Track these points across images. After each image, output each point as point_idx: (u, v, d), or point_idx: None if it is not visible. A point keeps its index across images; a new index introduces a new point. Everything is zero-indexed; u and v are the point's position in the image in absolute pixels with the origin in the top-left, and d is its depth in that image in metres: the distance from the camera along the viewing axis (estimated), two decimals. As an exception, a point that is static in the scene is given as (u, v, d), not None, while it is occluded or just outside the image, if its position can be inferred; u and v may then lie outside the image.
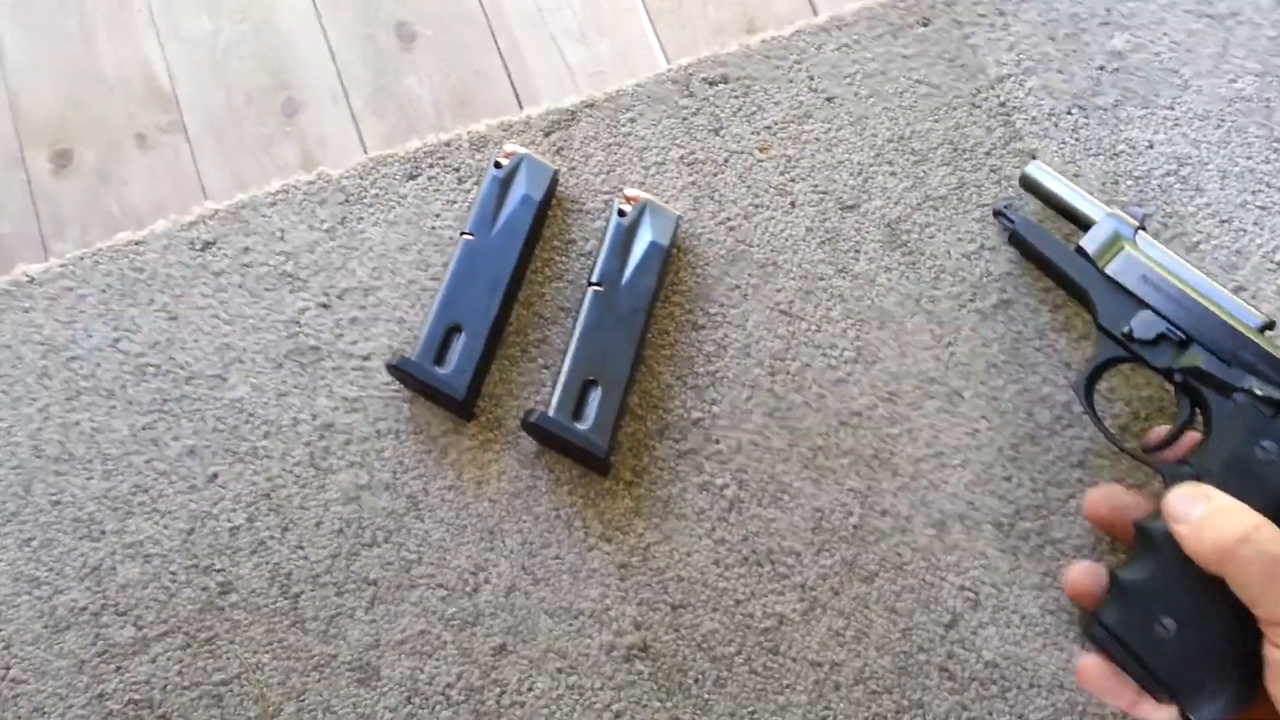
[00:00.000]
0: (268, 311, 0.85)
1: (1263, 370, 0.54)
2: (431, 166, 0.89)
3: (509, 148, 0.86)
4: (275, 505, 0.80)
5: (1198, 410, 0.58)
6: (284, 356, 0.84)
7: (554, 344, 0.84)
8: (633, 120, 0.90)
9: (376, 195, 0.88)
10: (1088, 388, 0.64)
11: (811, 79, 0.90)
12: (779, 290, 0.84)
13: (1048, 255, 0.71)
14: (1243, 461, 0.48)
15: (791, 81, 0.91)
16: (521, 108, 0.95)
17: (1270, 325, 0.59)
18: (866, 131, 0.89)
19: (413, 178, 0.89)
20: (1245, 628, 0.44)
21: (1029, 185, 0.67)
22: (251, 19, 1.00)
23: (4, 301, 0.86)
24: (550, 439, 0.78)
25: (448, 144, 0.89)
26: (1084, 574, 0.63)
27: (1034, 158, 0.80)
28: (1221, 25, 0.91)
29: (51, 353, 0.84)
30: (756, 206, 0.87)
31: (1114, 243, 0.67)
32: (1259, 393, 0.50)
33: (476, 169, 0.89)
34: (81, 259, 0.87)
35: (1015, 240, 0.74)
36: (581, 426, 0.77)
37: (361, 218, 0.87)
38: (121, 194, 0.94)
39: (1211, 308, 0.60)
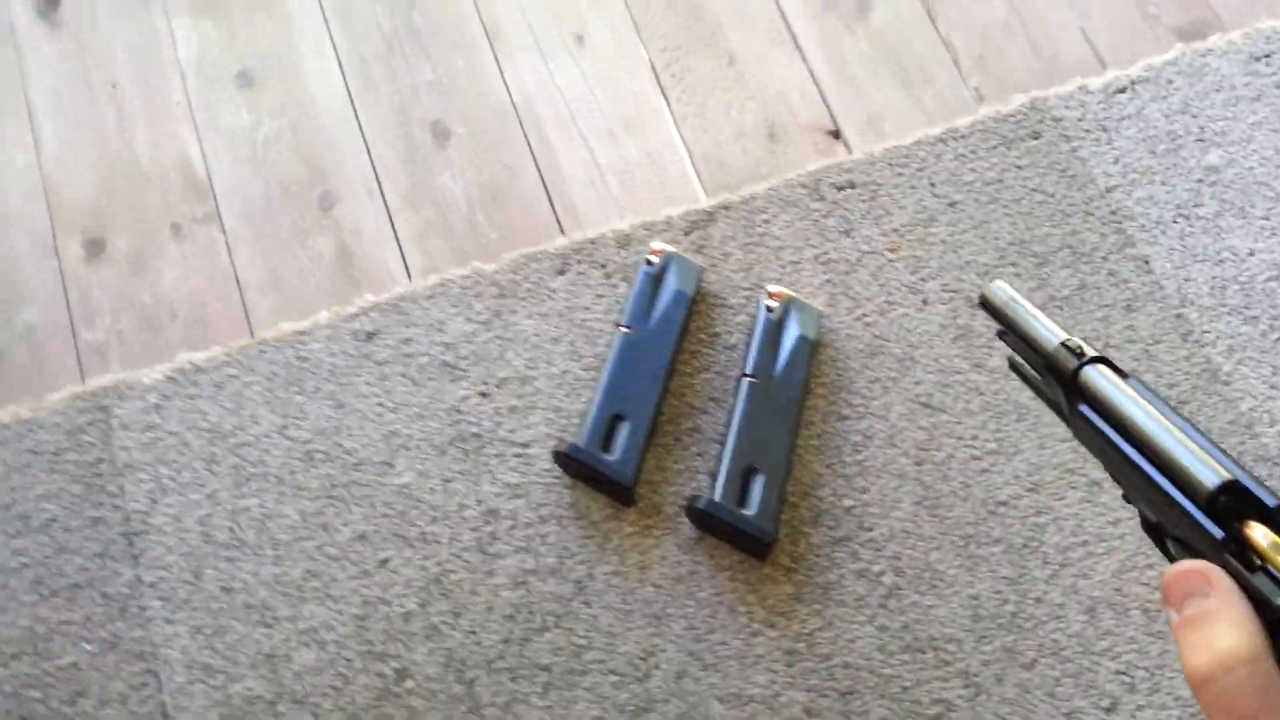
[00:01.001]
0: (430, 400, 0.88)
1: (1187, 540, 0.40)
2: (580, 263, 0.93)
3: (656, 245, 0.91)
4: (446, 590, 0.82)
5: None
6: (448, 444, 0.87)
7: (705, 433, 0.88)
8: (767, 221, 0.96)
9: (529, 289, 0.92)
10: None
11: (933, 185, 0.97)
12: (918, 383, 0.89)
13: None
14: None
15: (914, 188, 0.97)
16: (551, 202, 1.00)
17: (1230, 486, 0.37)
18: (989, 235, 0.95)
19: (562, 273, 0.93)
20: None
21: (988, 306, 0.48)
22: (290, 114, 1.04)
23: (169, 389, 0.88)
24: (715, 524, 0.81)
25: (593, 241, 0.94)
26: None
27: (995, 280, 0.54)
28: (1306, 143, 0.98)
29: (219, 439, 0.86)
30: (890, 304, 0.92)
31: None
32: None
33: (622, 265, 0.94)
34: (245, 348, 0.90)
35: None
36: (748, 512, 0.80)
37: (515, 310, 0.91)
38: (155, 283, 0.96)
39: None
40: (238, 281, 0.96)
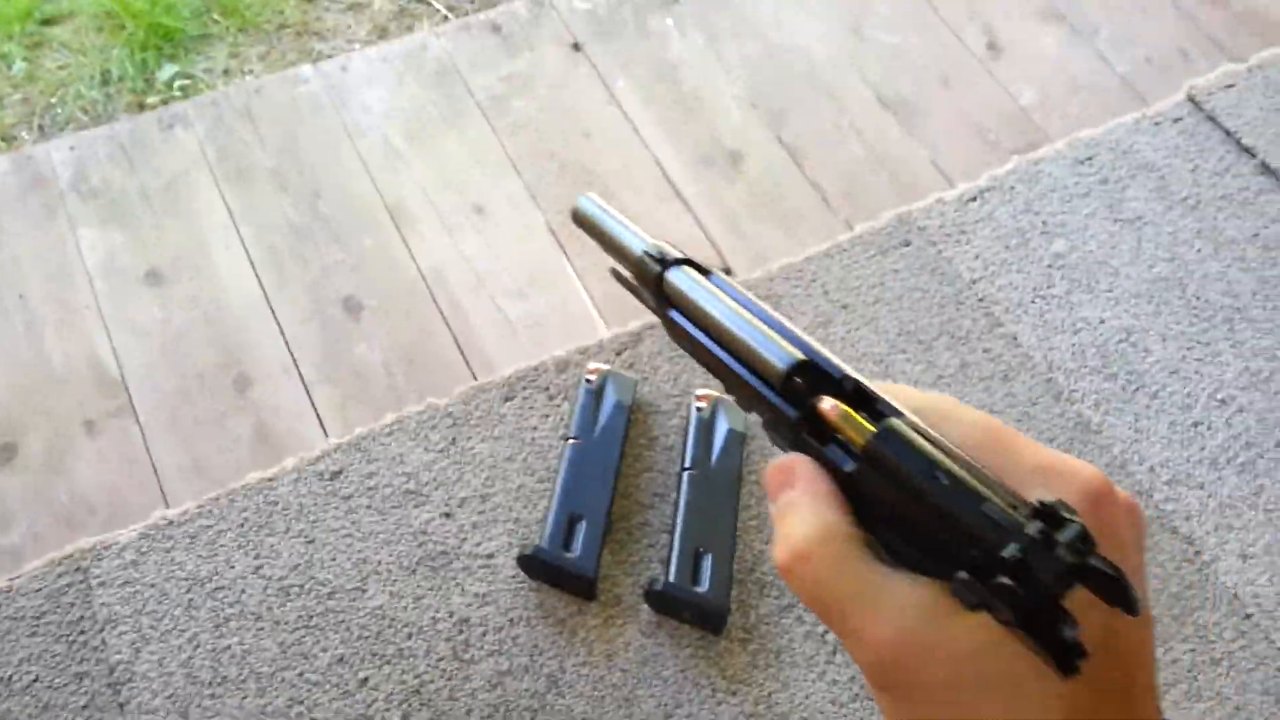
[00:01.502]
0: (396, 526, 0.95)
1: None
2: (525, 389, 1.03)
3: (593, 365, 1.01)
4: (426, 700, 0.86)
5: None
6: (416, 564, 0.93)
7: (654, 525, 0.96)
8: (686, 337, 1.07)
9: (480, 417, 1.01)
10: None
11: (826, 292, 1.11)
12: (837, 462, 0.99)
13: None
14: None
15: (810, 295, 1.10)
16: (467, 361, 1.08)
17: (801, 367, 0.36)
18: (879, 329, 1.08)
19: (509, 399, 1.03)
20: None
21: (578, 220, 0.45)
22: (202, 305, 1.10)
23: (144, 545, 0.93)
24: (672, 605, 0.89)
25: (535, 369, 1.04)
26: None
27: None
28: (1132, 227, 1.16)
29: (196, 585, 0.91)
30: (803, 396, 1.03)
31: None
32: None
33: (564, 386, 1.04)
34: (217, 499, 0.96)
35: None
36: (701, 589, 0.88)
37: (469, 436, 1.00)
38: (71, 481, 0.99)
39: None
40: (155, 469, 1.00)
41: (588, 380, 1.00)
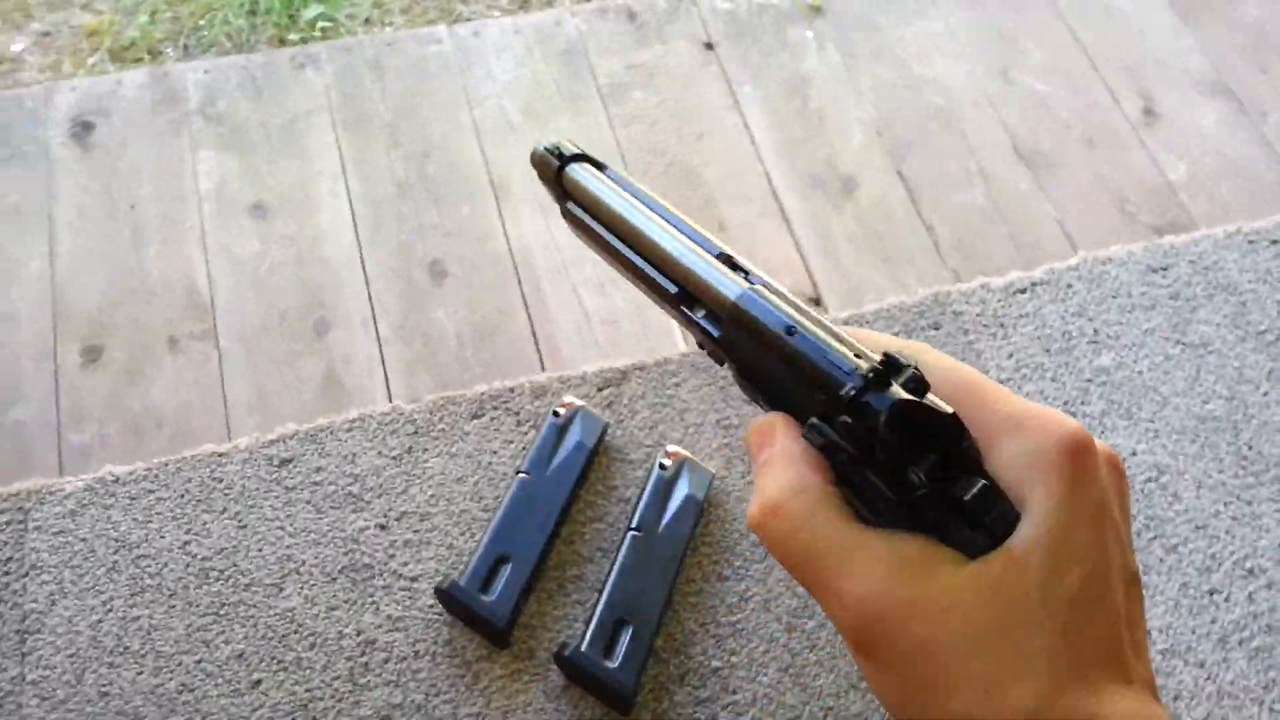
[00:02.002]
0: (329, 528, 0.92)
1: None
2: (495, 409, 0.99)
3: (567, 399, 0.96)
4: (311, 717, 0.84)
5: None
6: (339, 571, 0.90)
7: (588, 581, 0.91)
8: (677, 385, 1.01)
9: (443, 430, 0.98)
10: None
11: (835, 365, 1.03)
12: (799, 552, 0.92)
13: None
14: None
15: (818, 365, 1.03)
16: (538, 346, 1.07)
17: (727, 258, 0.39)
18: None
19: (476, 417, 0.99)
20: None
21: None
22: (298, 245, 1.13)
23: (87, 497, 0.93)
24: (579, 674, 0.83)
25: (511, 390, 1.00)
26: None
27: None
28: (1195, 353, 1.04)
29: (124, 549, 0.91)
30: (782, 473, 0.96)
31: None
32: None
33: (535, 414, 0.99)
34: (166, 465, 0.95)
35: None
36: (611, 665, 0.82)
37: (427, 449, 0.97)
38: (145, 393, 1.02)
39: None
40: (224, 396, 1.02)
41: (555, 413, 0.95)
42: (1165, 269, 1.10)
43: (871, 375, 0.30)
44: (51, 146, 1.18)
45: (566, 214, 0.44)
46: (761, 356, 0.34)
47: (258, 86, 1.25)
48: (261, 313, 1.08)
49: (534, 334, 1.08)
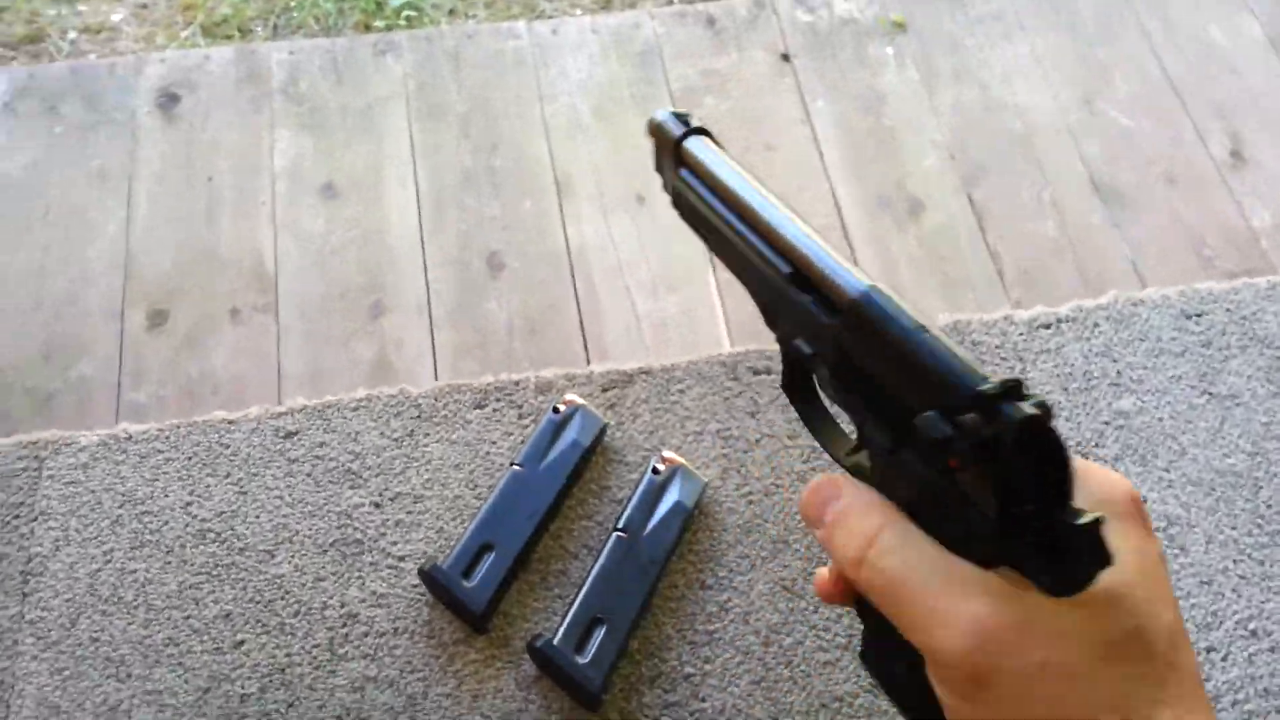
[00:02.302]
0: (325, 501, 0.94)
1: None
2: (499, 400, 1.00)
3: (569, 397, 0.97)
4: (287, 681, 0.85)
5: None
6: (330, 544, 0.92)
7: (571, 577, 0.91)
8: (681, 391, 1.01)
9: (445, 416, 0.99)
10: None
11: (844, 385, 1.02)
12: (785, 567, 0.91)
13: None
14: (884, 450, 0.36)
15: (826, 384, 1.02)
16: (585, 344, 1.09)
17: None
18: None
19: (479, 407, 1.00)
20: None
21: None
22: (363, 227, 1.16)
23: (100, 451, 0.97)
24: (550, 667, 0.84)
25: (517, 383, 1.01)
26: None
27: None
28: (1221, 404, 1.00)
29: (129, 504, 0.94)
30: (777, 485, 0.96)
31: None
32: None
33: (537, 409, 1.00)
34: (178, 426, 0.98)
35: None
36: (581, 660, 0.83)
37: (428, 434, 0.98)
38: (205, 359, 1.06)
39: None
40: (279, 369, 1.05)
41: (555, 410, 0.96)
42: (1200, 315, 1.07)
43: (1009, 385, 0.31)
44: (139, 114, 1.24)
45: (678, 184, 0.43)
46: (877, 353, 0.34)
47: (339, 70, 1.29)
48: (322, 290, 1.11)
49: (583, 331, 1.09)
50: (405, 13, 1.42)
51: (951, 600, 0.31)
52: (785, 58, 1.31)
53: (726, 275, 1.12)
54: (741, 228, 0.41)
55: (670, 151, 0.43)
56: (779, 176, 1.20)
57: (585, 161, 1.21)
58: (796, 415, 0.96)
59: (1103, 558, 0.31)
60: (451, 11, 1.43)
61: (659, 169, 0.45)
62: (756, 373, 1.03)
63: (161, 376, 1.05)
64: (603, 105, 1.26)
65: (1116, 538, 0.32)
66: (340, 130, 1.23)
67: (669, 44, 1.32)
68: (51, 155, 1.20)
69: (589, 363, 1.06)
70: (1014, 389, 0.31)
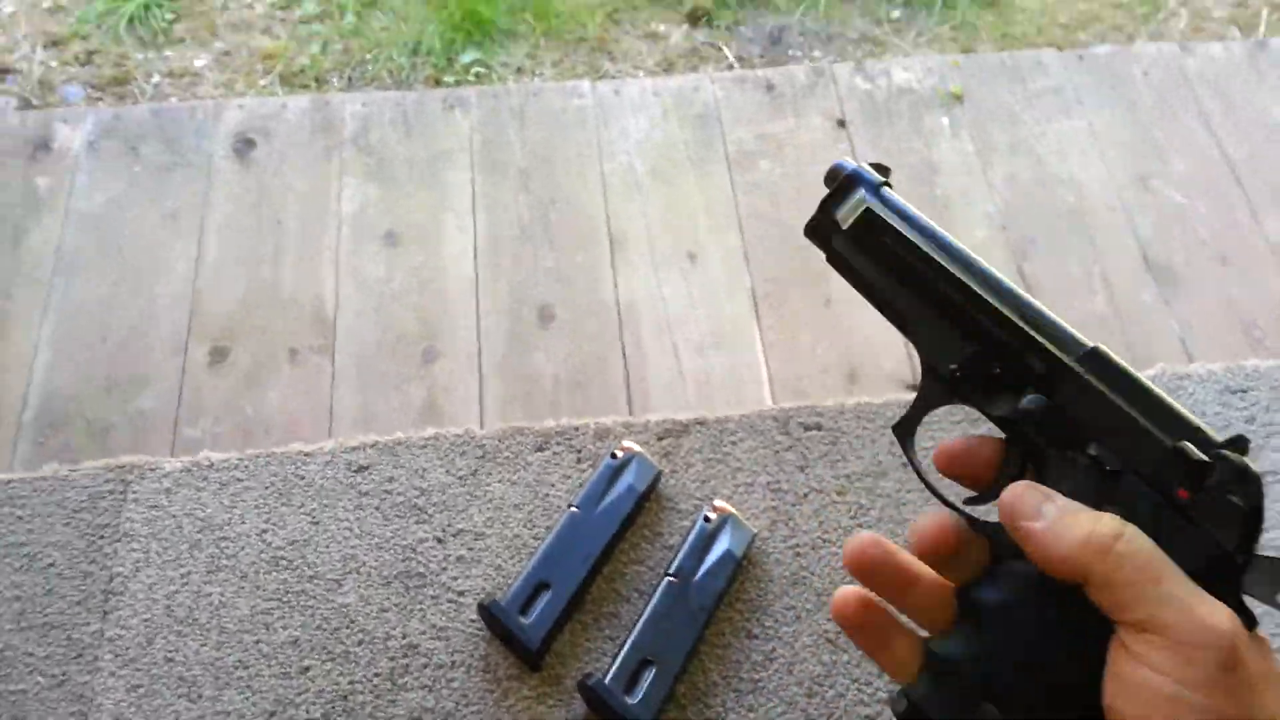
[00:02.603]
0: (392, 535, 0.99)
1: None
2: (559, 444, 1.05)
3: (626, 444, 1.01)
4: (349, 709, 0.89)
5: (1028, 463, 0.45)
6: (394, 576, 0.96)
7: (622, 619, 0.94)
8: (734, 444, 1.05)
9: (508, 458, 1.04)
10: (906, 430, 0.48)
11: (891, 442, 1.05)
12: (830, 620, 0.94)
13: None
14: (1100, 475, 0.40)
15: (875, 441, 1.05)
16: (630, 398, 1.12)
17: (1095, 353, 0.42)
18: (933, 499, 1.01)
19: (540, 450, 1.04)
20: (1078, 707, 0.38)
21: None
22: (421, 275, 1.21)
23: (183, 478, 1.02)
24: (600, 705, 0.87)
25: (576, 428, 1.06)
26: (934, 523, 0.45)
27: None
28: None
29: (207, 529, 0.99)
30: (824, 540, 0.99)
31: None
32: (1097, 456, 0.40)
33: (594, 454, 1.04)
34: (257, 457, 1.03)
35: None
36: (631, 701, 0.86)
37: (491, 473, 1.03)
38: (261, 398, 1.11)
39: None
40: (331, 410, 1.11)
41: (613, 455, 1.00)
42: (1245, 391, 1.09)
43: (1238, 439, 0.36)
44: (215, 158, 1.31)
45: (853, 234, 0.46)
46: (1107, 399, 0.39)
47: (408, 122, 1.35)
48: (378, 335, 1.16)
49: (628, 386, 1.13)
50: (475, 69, 1.49)
51: (1200, 598, 0.34)
52: (841, 124, 1.36)
53: (773, 336, 1.16)
54: (949, 289, 0.43)
55: (842, 200, 0.46)
56: (829, 239, 1.23)
57: (639, 218, 1.26)
58: (848, 474, 1.00)
59: (1249, 617, 0.35)
60: (519, 70, 1.50)
61: (818, 217, 0.47)
62: (807, 428, 1.06)
63: (218, 414, 1.10)
64: (658, 164, 1.31)
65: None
66: (406, 180, 1.29)
67: (728, 107, 1.37)
68: (130, 194, 1.27)
69: (630, 415, 1.09)
70: (1243, 442, 0.36)
